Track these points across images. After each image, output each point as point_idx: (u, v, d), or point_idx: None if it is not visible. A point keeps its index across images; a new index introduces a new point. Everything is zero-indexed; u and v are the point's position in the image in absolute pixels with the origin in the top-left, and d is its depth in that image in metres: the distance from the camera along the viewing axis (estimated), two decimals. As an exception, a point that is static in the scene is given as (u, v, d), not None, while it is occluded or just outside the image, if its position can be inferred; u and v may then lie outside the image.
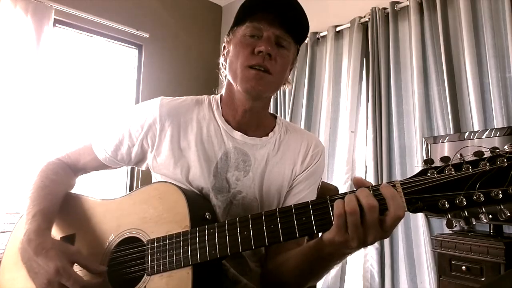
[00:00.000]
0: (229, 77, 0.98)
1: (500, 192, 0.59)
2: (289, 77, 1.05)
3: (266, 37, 0.93)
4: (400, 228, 2.55)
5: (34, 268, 0.83)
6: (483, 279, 1.85)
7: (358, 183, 0.71)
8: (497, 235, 1.97)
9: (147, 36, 3.60)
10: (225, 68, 1.00)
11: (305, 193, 1.00)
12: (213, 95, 1.07)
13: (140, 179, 3.40)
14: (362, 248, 0.74)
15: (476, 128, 2.26)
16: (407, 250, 2.53)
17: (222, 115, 1.01)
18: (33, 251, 0.83)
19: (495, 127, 2.15)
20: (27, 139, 2.85)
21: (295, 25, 0.96)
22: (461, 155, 0.63)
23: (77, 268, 0.85)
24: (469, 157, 0.63)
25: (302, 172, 1.02)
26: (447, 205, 0.63)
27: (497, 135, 2.07)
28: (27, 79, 2.89)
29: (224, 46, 1.02)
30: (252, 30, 0.94)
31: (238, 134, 0.99)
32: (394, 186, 0.67)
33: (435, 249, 2.11)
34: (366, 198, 0.66)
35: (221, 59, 1.03)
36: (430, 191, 0.64)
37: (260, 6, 0.94)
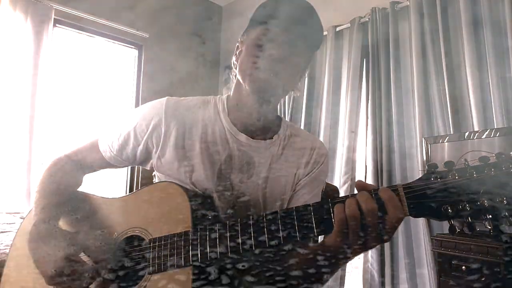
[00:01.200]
0: (239, 77, 0.97)
1: (505, 199, 0.58)
2: (299, 84, 1.04)
3: (279, 41, 0.92)
4: (400, 228, 2.55)
5: (43, 257, 0.85)
6: (483, 279, 1.85)
7: (360, 187, 0.71)
8: (497, 235, 1.98)
9: (147, 36, 3.60)
10: (235, 68, 0.99)
11: (309, 197, 1.00)
12: (219, 96, 1.06)
13: (140, 179, 3.40)
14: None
15: (476, 128, 2.26)
16: (407, 250, 2.54)
17: (228, 116, 1.00)
18: (42, 240, 0.86)
19: (495, 127, 2.15)
20: (27, 140, 2.85)
21: (310, 33, 0.96)
22: (465, 160, 0.62)
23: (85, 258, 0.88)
24: (474, 162, 0.62)
25: (306, 176, 1.01)
26: (450, 211, 0.63)
27: (497, 135, 2.07)
28: (27, 79, 2.88)
29: (237, 46, 1.02)
30: (267, 33, 0.94)
31: (243, 136, 0.98)
32: (396, 190, 0.67)
33: (435, 249, 2.11)
34: (365, 202, 0.67)
35: (233, 59, 1.02)
36: (433, 196, 0.64)
37: (277, 11, 0.93)
